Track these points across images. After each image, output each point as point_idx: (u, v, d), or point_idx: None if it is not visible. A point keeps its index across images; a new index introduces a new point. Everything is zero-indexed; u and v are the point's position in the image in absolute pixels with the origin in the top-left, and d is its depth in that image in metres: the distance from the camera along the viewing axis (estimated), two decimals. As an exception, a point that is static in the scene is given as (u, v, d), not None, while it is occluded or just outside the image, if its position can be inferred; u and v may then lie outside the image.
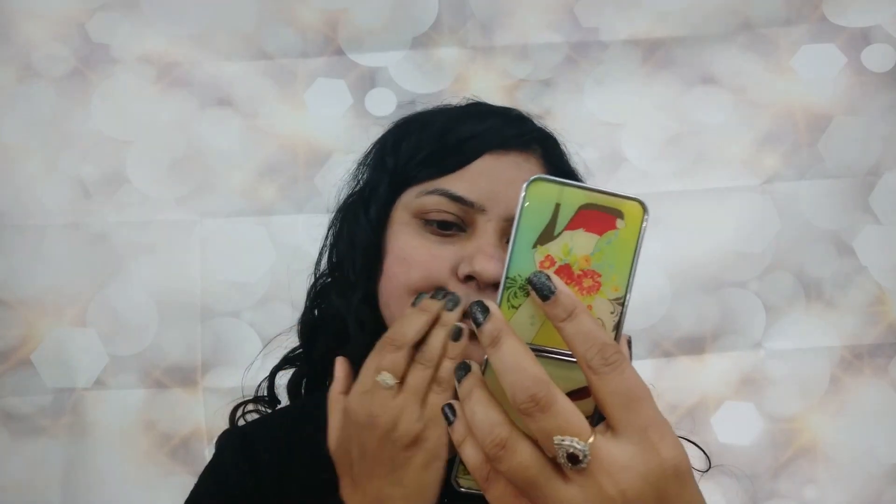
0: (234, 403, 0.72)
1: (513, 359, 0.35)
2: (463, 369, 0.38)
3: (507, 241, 0.37)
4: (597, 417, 0.37)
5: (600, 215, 0.37)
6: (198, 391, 1.20)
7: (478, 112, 0.64)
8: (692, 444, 0.73)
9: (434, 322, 0.51)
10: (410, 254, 0.57)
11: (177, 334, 1.21)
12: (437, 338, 0.50)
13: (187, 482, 0.66)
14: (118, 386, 1.20)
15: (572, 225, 0.36)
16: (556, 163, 0.64)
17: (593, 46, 1.29)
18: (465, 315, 0.51)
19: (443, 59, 1.28)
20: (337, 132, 1.26)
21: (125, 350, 1.21)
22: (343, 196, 0.68)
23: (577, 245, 0.36)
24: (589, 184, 0.37)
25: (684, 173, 1.28)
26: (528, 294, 0.37)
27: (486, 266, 0.54)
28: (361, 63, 1.28)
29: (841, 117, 1.28)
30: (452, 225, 0.57)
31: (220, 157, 1.26)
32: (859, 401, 1.24)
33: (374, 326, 0.61)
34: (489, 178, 0.57)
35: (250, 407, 0.72)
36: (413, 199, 0.58)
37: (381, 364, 0.49)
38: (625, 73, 1.29)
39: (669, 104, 1.29)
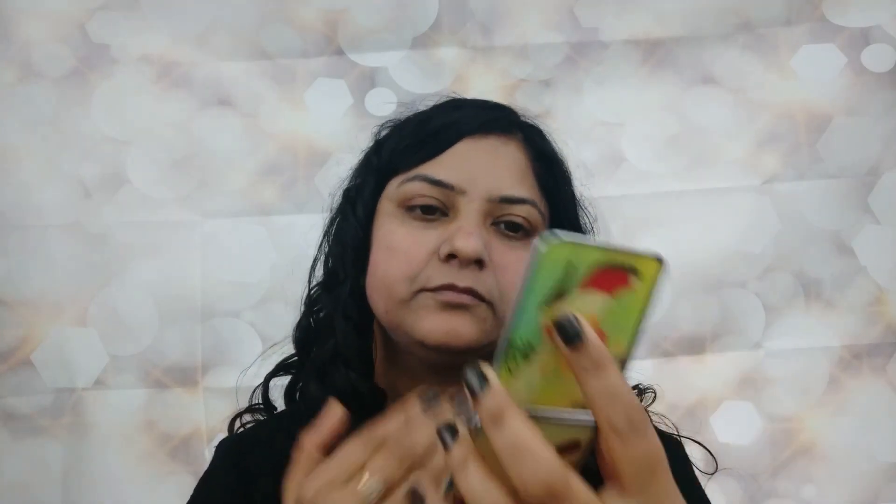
0: (234, 412, 0.73)
1: (521, 441, 0.31)
2: (449, 432, 0.34)
3: (515, 300, 0.33)
4: (582, 466, 0.35)
5: (613, 273, 0.33)
6: (198, 391, 1.21)
7: (456, 102, 0.66)
8: (700, 446, 0.73)
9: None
10: (393, 241, 0.58)
11: (177, 334, 1.21)
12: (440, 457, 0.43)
13: (187, 482, 0.66)
14: (118, 386, 1.20)
15: (584, 285, 0.33)
16: (538, 147, 0.63)
17: (593, 46, 1.29)
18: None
19: (443, 59, 1.28)
20: (337, 132, 1.26)
21: (125, 350, 1.21)
22: (335, 203, 0.69)
23: (587, 306, 0.33)
24: (604, 241, 0.34)
25: (684, 173, 1.28)
26: (527, 359, 0.33)
27: (466, 242, 0.54)
28: (361, 63, 1.28)
29: (841, 117, 1.28)
30: (435, 209, 0.57)
31: (220, 157, 1.26)
32: (858, 401, 1.24)
33: (360, 320, 0.62)
34: (468, 160, 0.58)
35: (248, 417, 0.71)
36: (396, 188, 0.59)
37: (375, 465, 0.41)
38: (625, 73, 1.29)
39: (669, 104, 1.29)
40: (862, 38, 1.29)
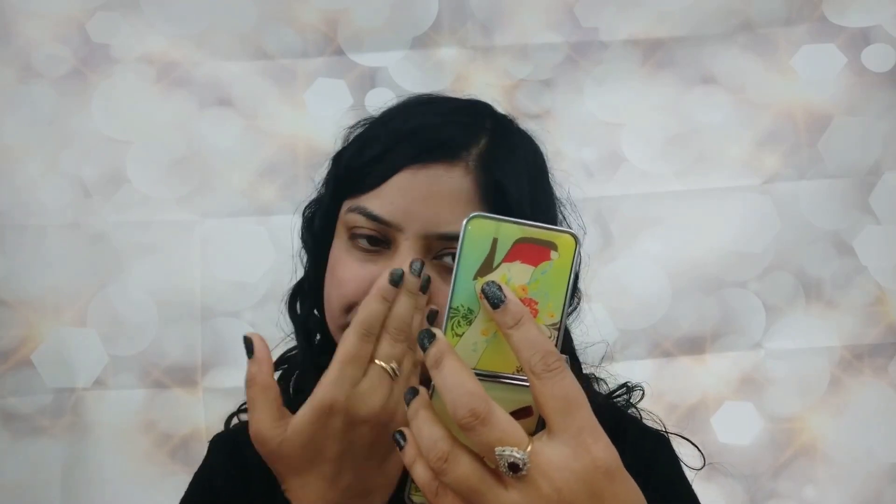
0: (231, 410, 0.73)
1: (452, 378, 0.37)
2: (411, 393, 0.40)
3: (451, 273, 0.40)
4: (538, 431, 0.39)
5: (535, 248, 0.40)
6: (198, 391, 1.20)
7: (411, 114, 0.61)
8: (687, 442, 0.73)
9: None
10: (336, 269, 0.59)
11: (177, 334, 1.21)
12: (419, 322, 0.51)
13: (187, 482, 0.66)
14: (118, 386, 1.20)
15: (509, 257, 0.40)
16: (489, 174, 0.57)
17: (593, 46, 1.29)
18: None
19: (443, 59, 1.28)
20: (337, 132, 1.25)
21: (125, 350, 1.21)
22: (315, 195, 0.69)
23: (515, 276, 0.40)
24: (524, 221, 0.40)
25: (684, 173, 1.28)
26: (470, 323, 0.40)
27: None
28: (361, 63, 1.28)
29: (841, 117, 1.28)
30: (379, 241, 0.57)
31: (220, 157, 1.26)
32: (859, 401, 1.24)
33: (322, 338, 0.62)
34: (405, 195, 0.56)
35: (245, 416, 0.71)
36: (344, 213, 0.59)
37: (383, 353, 0.48)
38: (625, 73, 1.29)
39: (669, 104, 1.29)
40: (862, 38, 1.29)
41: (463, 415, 0.36)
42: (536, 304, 0.40)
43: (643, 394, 0.72)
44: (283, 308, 0.70)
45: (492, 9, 1.28)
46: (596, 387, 0.71)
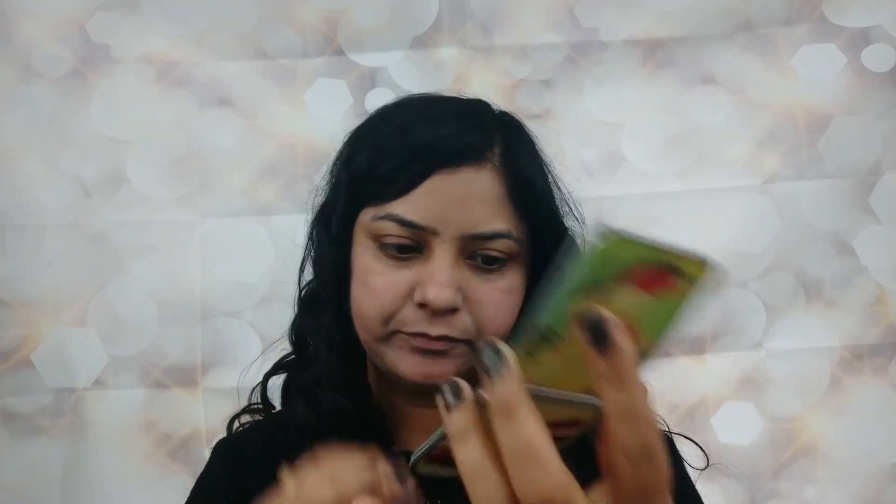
0: (236, 408, 0.72)
1: (532, 449, 0.29)
2: (454, 393, 0.31)
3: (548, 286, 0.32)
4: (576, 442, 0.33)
5: (656, 271, 0.32)
6: (198, 391, 1.20)
7: (427, 121, 0.59)
8: (691, 442, 0.73)
9: None
10: (368, 279, 0.57)
11: (177, 334, 1.21)
12: None
13: (187, 482, 0.66)
14: (118, 386, 1.20)
15: (622, 279, 0.31)
16: (514, 169, 0.58)
17: (593, 46, 1.29)
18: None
19: (443, 59, 1.28)
20: (337, 132, 1.25)
21: (125, 350, 1.21)
22: (317, 202, 0.67)
23: (622, 301, 0.31)
24: (653, 238, 0.32)
25: (684, 173, 1.28)
26: (550, 346, 0.31)
27: (437, 295, 0.54)
28: (361, 63, 1.28)
29: (841, 117, 1.27)
30: (409, 248, 0.56)
31: (220, 157, 1.26)
32: (859, 401, 1.24)
33: (344, 346, 0.61)
34: (439, 198, 0.55)
35: (247, 418, 0.71)
36: (368, 221, 0.58)
37: None
38: (625, 73, 1.29)
39: (669, 104, 1.29)
40: (862, 38, 1.28)
41: (533, 500, 0.29)
42: (638, 335, 0.31)
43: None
44: (295, 317, 0.69)
45: (492, 9, 1.28)
46: None
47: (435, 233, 0.55)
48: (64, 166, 1.23)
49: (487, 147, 0.58)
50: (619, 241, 0.31)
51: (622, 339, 0.29)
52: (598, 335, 0.29)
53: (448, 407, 0.31)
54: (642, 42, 1.29)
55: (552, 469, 0.29)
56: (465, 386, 0.31)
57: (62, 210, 1.22)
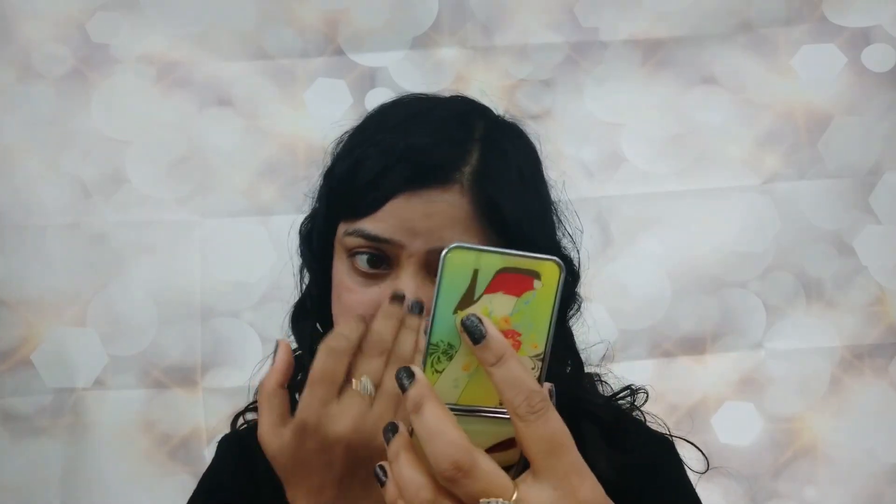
0: (235, 408, 0.72)
1: (434, 424, 0.35)
2: (391, 430, 0.38)
3: (431, 306, 0.38)
4: (521, 466, 0.38)
5: (518, 277, 0.38)
6: (197, 391, 1.20)
7: (403, 133, 0.58)
8: (691, 445, 0.73)
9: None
10: (342, 296, 0.58)
11: (177, 334, 1.21)
12: (407, 341, 0.50)
13: (187, 482, 0.66)
14: (118, 386, 1.20)
15: (491, 288, 0.38)
16: (483, 192, 0.56)
17: (593, 46, 1.29)
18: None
19: (443, 59, 1.28)
20: (336, 132, 1.25)
21: (125, 350, 1.21)
22: (310, 206, 0.68)
23: (497, 307, 0.38)
24: (504, 248, 0.38)
25: (684, 173, 1.28)
26: (451, 358, 0.38)
27: (403, 289, 0.54)
28: (361, 63, 1.28)
29: (841, 117, 1.27)
30: (378, 260, 0.57)
31: (220, 157, 1.26)
32: (859, 401, 1.24)
33: None
34: (403, 217, 0.55)
35: (251, 415, 0.71)
36: (342, 235, 0.58)
37: (360, 370, 0.48)
38: (625, 73, 1.29)
39: (669, 104, 1.29)
40: (862, 38, 1.29)
41: (445, 467, 0.35)
42: (519, 335, 0.38)
43: (647, 397, 0.72)
44: (287, 327, 0.69)
45: (492, 9, 1.28)
46: (599, 388, 0.71)
47: (401, 245, 0.55)
48: (64, 166, 1.23)
49: (457, 167, 0.56)
50: (460, 252, 0.37)
51: (491, 327, 0.36)
52: (472, 332, 0.36)
53: (403, 388, 0.37)
54: (642, 42, 1.29)
55: (453, 437, 0.35)
56: (416, 370, 0.37)
57: (62, 210, 1.22)
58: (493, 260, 0.38)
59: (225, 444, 0.70)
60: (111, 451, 1.19)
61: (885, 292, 1.25)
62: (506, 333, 0.37)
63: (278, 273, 1.21)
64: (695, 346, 1.25)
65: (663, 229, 1.25)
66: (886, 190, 1.26)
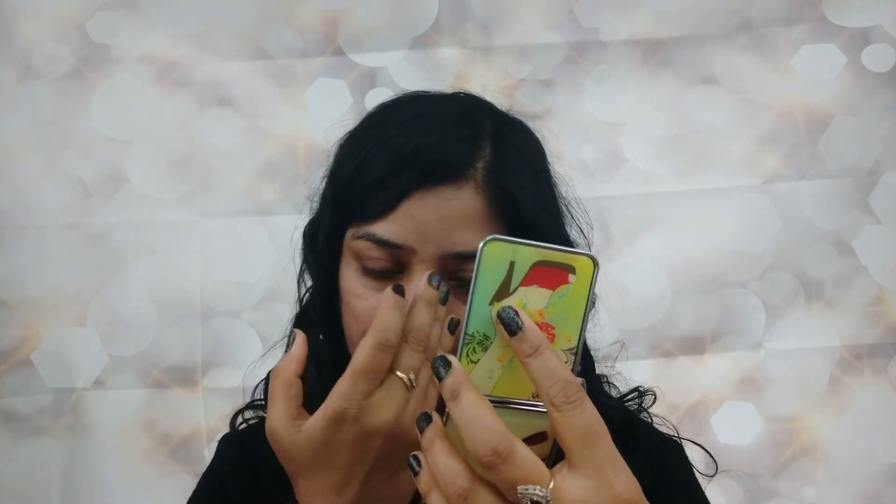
0: (235, 408, 0.72)
1: (472, 411, 0.36)
2: (424, 420, 0.39)
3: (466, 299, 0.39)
4: (554, 457, 0.39)
5: (553, 271, 0.39)
6: (198, 391, 1.21)
7: (410, 132, 0.56)
8: (700, 448, 0.72)
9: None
10: (351, 301, 0.57)
11: (177, 334, 1.21)
12: (437, 332, 0.50)
13: (187, 482, 0.66)
14: (118, 386, 1.20)
15: (527, 281, 0.39)
16: (498, 187, 0.55)
17: (593, 46, 1.29)
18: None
19: (443, 59, 1.28)
20: (336, 132, 1.25)
21: (125, 350, 1.21)
22: (312, 209, 0.66)
23: (532, 300, 0.39)
24: (541, 242, 0.39)
25: (684, 173, 1.28)
26: (486, 349, 0.39)
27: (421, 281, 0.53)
28: (361, 63, 1.28)
29: (841, 117, 1.28)
30: (389, 268, 0.55)
31: (220, 157, 1.26)
32: (859, 401, 1.24)
33: (333, 364, 0.60)
34: (416, 218, 0.53)
35: (250, 413, 0.71)
36: (350, 240, 0.56)
37: (402, 364, 0.48)
38: (625, 73, 1.29)
39: (669, 104, 1.29)
40: (862, 38, 1.29)
41: (484, 453, 0.35)
42: (554, 328, 0.39)
43: (654, 398, 0.72)
44: (288, 333, 0.68)
45: (492, 9, 1.28)
46: (607, 389, 0.71)
47: (413, 251, 0.54)
48: (64, 166, 1.23)
49: (470, 163, 0.55)
50: (498, 245, 0.38)
51: (526, 319, 0.37)
52: (509, 324, 0.37)
53: (439, 377, 0.38)
54: (642, 42, 1.29)
55: (491, 423, 0.36)
56: (452, 358, 0.38)
57: (62, 210, 1.22)
58: (529, 253, 0.38)
59: (224, 444, 0.70)
60: (111, 451, 1.19)
61: (885, 292, 1.25)
62: (540, 326, 0.38)
63: (278, 273, 1.22)
64: (694, 346, 1.25)
65: (663, 229, 1.25)
66: (886, 190, 1.26)
